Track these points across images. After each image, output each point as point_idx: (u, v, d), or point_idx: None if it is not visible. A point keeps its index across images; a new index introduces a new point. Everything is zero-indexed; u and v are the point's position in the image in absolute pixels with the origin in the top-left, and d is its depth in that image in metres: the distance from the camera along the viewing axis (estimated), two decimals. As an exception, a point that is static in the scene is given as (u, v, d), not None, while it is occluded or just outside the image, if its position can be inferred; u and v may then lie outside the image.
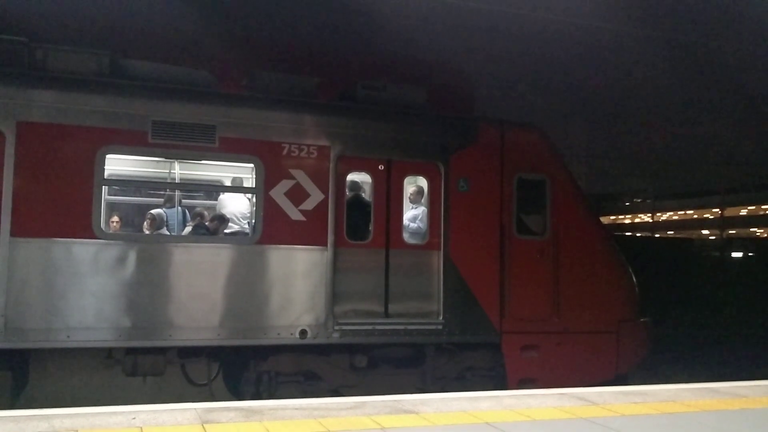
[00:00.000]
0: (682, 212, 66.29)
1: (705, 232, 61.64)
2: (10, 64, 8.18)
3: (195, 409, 6.16)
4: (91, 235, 8.00)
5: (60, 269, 7.87)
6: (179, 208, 9.78)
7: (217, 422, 5.71)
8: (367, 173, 9.50)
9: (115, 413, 5.88)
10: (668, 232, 63.60)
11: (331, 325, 8.87)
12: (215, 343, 8.47)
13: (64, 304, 7.85)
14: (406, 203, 9.76)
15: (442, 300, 9.41)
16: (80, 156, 8.03)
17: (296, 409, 6.31)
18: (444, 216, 9.54)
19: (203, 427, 5.55)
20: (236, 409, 6.24)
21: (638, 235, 56.98)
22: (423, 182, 9.83)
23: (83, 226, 7.97)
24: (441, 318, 9.41)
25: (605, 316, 10.37)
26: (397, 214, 9.43)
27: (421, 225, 9.73)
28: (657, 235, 57.55)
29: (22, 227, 7.74)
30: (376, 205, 9.36)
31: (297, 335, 8.72)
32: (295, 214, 8.81)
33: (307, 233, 8.85)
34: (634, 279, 10.90)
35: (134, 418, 5.71)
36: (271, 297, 8.68)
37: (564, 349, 10.00)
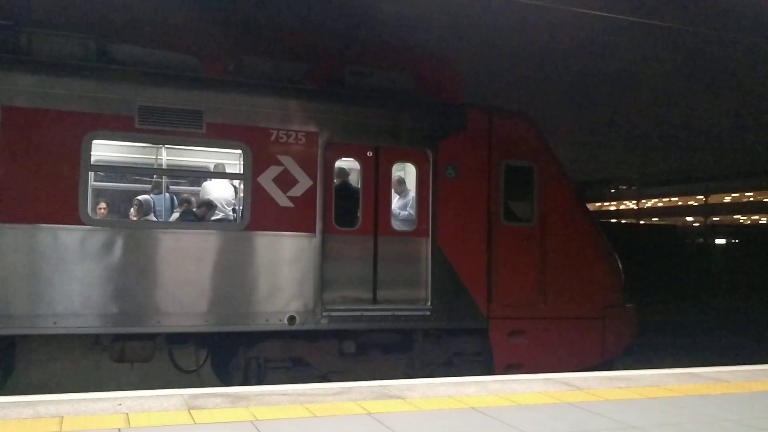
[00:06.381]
0: (667, 199, 66.50)
1: (689, 218, 61.94)
2: None
3: (181, 395, 6.08)
4: (78, 221, 7.86)
5: (47, 255, 7.74)
6: (167, 194, 9.65)
7: (204, 408, 5.63)
8: (356, 160, 9.39)
9: (100, 399, 5.79)
10: (653, 219, 63.88)
11: (320, 312, 8.79)
12: (203, 329, 8.37)
13: (51, 291, 7.72)
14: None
15: (430, 286, 9.35)
16: (67, 141, 7.88)
17: (283, 394, 6.24)
18: (432, 203, 9.45)
19: (189, 413, 5.47)
20: (222, 395, 6.15)
21: (623, 221, 57.18)
22: (411, 169, 9.74)
23: (70, 212, 7.83)
24: (429, 304, 9.35)
25: (591, 301, 10.35)
26: (385, 201, 9.35)
27: (409, 211, 9.65)
28: (642, 222, 57.78)
29: (8, 213, 7.60)
30: (365, 192, 9.26)
31: (285, 321, 8.64)
32: (283, 200, 8.70)
33: (296, 220, 8.75)
34: (620, 265, 10.88)
35: (120, 405, 5.61)
36: (259, 283, 8.58)
37: (550, 335, 9.98)
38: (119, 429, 4.96)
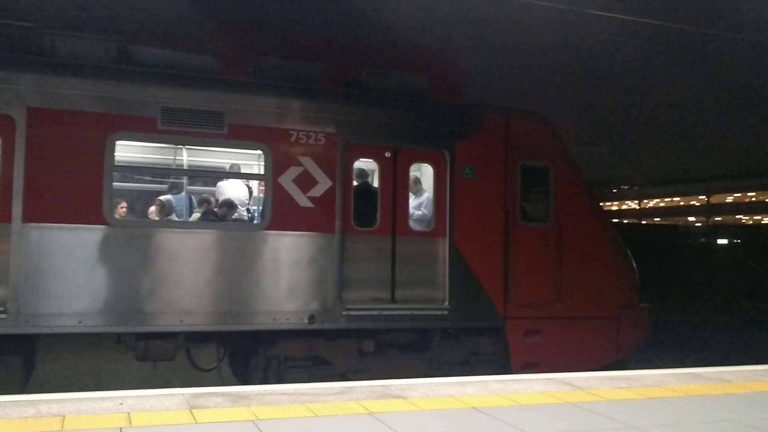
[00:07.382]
0: (669, 199, 65.10)
1: (691, 219, 60.57)
2: (19, 49, 7.55)
3: (183, 394, 5.64)
4: (102, 221, 7.40)
5: (71, 255, 7.28)
6: (185, 194, 9.17)
7: (205, 407, 5.21)
8: (374, 160, 8.89)
9: (102, 398, 5.36)
10: (655, 219, 62.57)
11: (339, 311, 8.29)
12: (225, 328, 7.91)
13: (76, 290, 7.26)
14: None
15: (447, 286, 8.81)
16: (91, 142, 7.42)
17: (283, 394, 5.81)
18: (449, 203, 8.91)
19: (191, 412, 5.05)
20: (224, 394, 5.72)
21: (626, 221, 55.97)
22: (427, 170, 9.21)
23: (94, 212, 7.36)
24: (446, 303, 8.81)
25: (607, 301, 9.76)
26: (403, 201, 8.84)
27: (425, 211, 9.10)
28: (644, 222, 56.57)
29: (33, 213, 7.15)
30: (383, 193, 8.75)
31: (305, 320, 8.14)
32: (303, 200, 8.23)
33: (315, 220, 8.27)
34: (635, 265, 10.24)
35: (121, 404, 5.19)
36: (279, 283, 8.10)
37: (566, 334, 9.40)
38: (121, 428, 4.59)
